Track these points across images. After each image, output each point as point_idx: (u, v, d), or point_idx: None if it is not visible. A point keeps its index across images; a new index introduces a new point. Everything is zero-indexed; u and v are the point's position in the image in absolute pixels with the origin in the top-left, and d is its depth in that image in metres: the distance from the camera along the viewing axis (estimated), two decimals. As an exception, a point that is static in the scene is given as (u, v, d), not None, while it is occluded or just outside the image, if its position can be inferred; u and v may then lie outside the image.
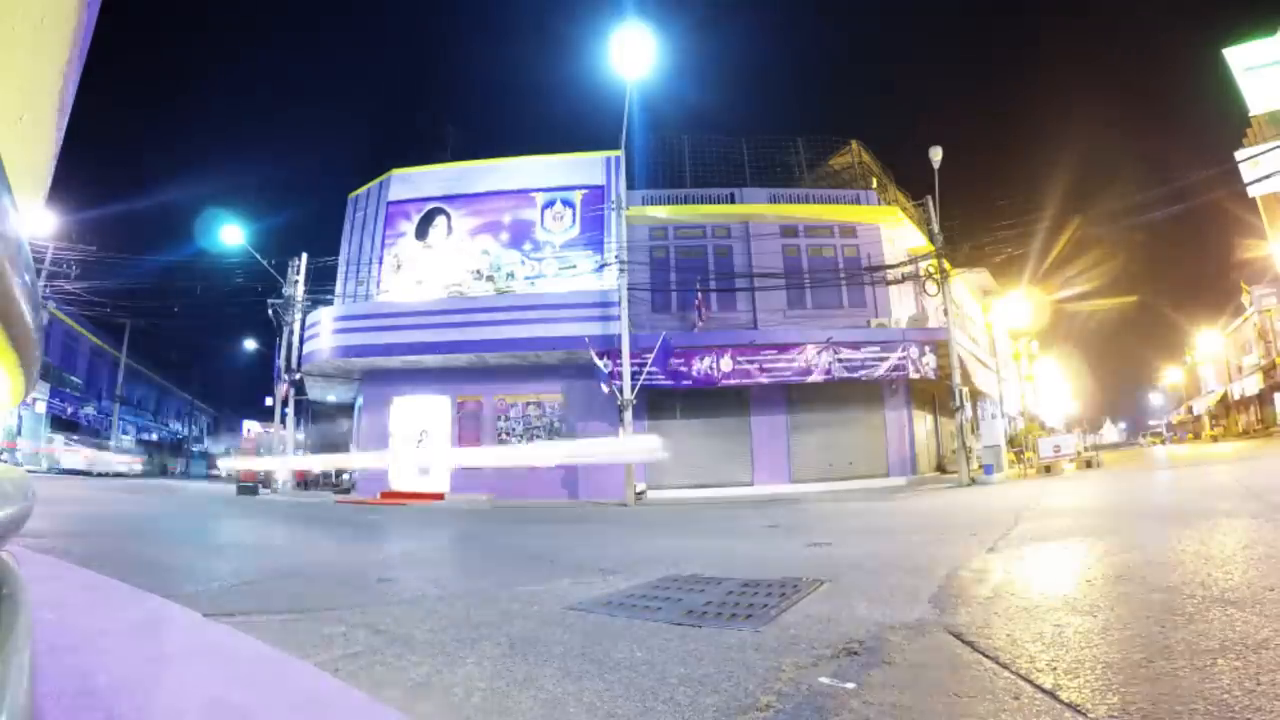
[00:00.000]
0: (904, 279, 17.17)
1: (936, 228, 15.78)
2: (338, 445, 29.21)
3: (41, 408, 28.42)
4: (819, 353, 15.53)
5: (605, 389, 14.94)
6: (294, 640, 2.34)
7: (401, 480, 17.11)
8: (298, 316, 20.35)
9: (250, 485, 17.95)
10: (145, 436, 41.64)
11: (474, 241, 17.93)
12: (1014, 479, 14.93)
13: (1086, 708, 1.47)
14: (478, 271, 17.68)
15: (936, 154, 15.16)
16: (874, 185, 18.97)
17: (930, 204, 15.97)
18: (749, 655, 2.08)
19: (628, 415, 14.36)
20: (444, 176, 18.69)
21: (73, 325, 30.64)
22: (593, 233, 17.28)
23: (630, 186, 17.57)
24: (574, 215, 17.71)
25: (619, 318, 14.92)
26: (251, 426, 21.60)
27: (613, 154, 17.41)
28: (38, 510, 1.27)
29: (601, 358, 14.90)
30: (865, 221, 17.77)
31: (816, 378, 15.49)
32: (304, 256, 20.99)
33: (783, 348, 15.74)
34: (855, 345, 15.72)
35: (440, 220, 18.24)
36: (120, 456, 27.57)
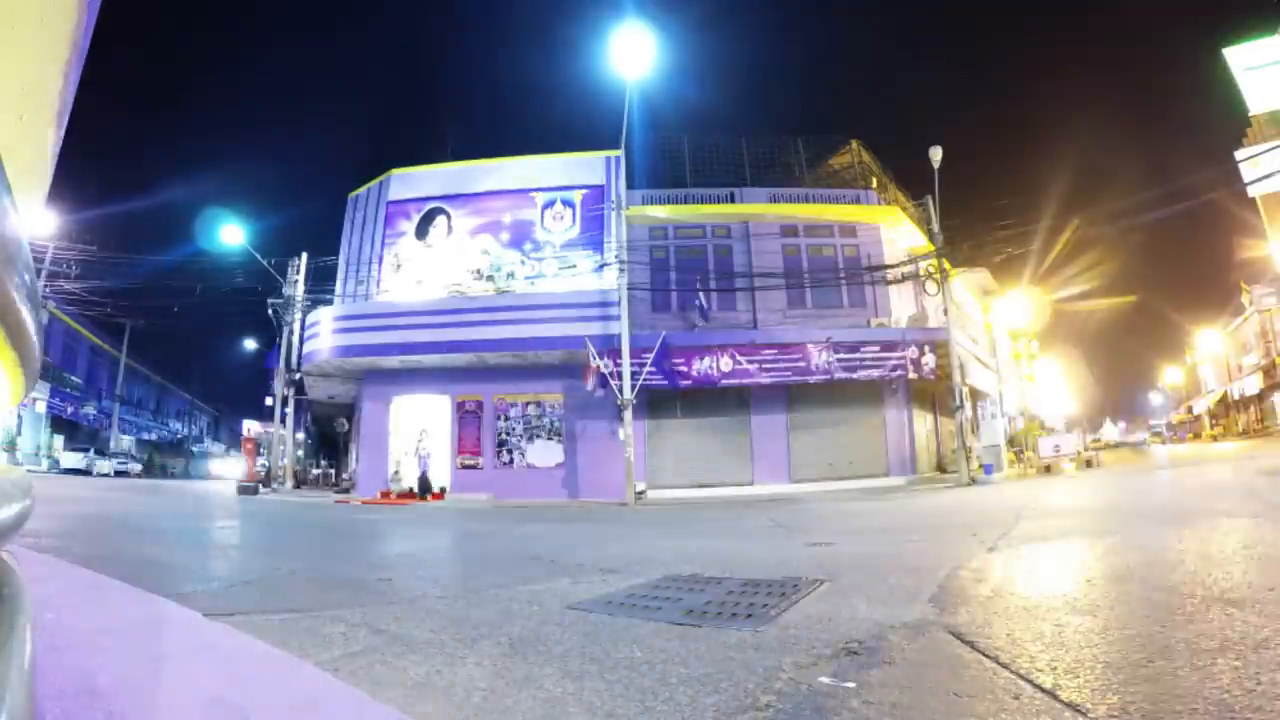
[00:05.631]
0: (904, 279, 17.17)
1: (936, 227, 15.78)
2: (337, 445, 29.24)
3: (41, 407, 28.42)
4: (819, 353, 15.53)
5: (590, 390, 14.96)
6: (294, 640, 2.34)
7: (400, 480, 17.11)
8: (298, 316, 20.36)
9: (250, 485, 17.95)
10: (145, 436, 41.66)
11: (474, 241, 17.93)
12: (1014, 478, 14.93)
13: (1086, 707, 1.47)
14: (478, 271, 17.68)
15: (936, 154, 15.16)
16: (874, 185, 18.96)
17: (930, 204, 15.98)
18: (749, 655, 2.08)
19: (628, 415, 14.37)
20: (444, 176, 18.68)
21: (73, 325, 30.63)
22: (593, 233, 17.28)
23: (630, 186, 17.56)
24: (574, 215, 17.70)
25: (619, 318, 14.92)
26: (251, 426, 21.59)
27: (612, 154, 17.40)
28: (38, 510, 1.27)
29: (602, 356, 14.88)
30: (865, 221, 17.77)
31: (816, 378, 15.49)
32: (304, 256, 21.01)
33: (783, 348, 15.74)
34: (855, 345, 15.72)
35: (440, 220, 18.23)
36: None
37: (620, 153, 17.12)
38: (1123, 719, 1.40)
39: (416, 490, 15.80)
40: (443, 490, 16.13)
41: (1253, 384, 37.23)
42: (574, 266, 17.18)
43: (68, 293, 22.80)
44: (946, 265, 15.98)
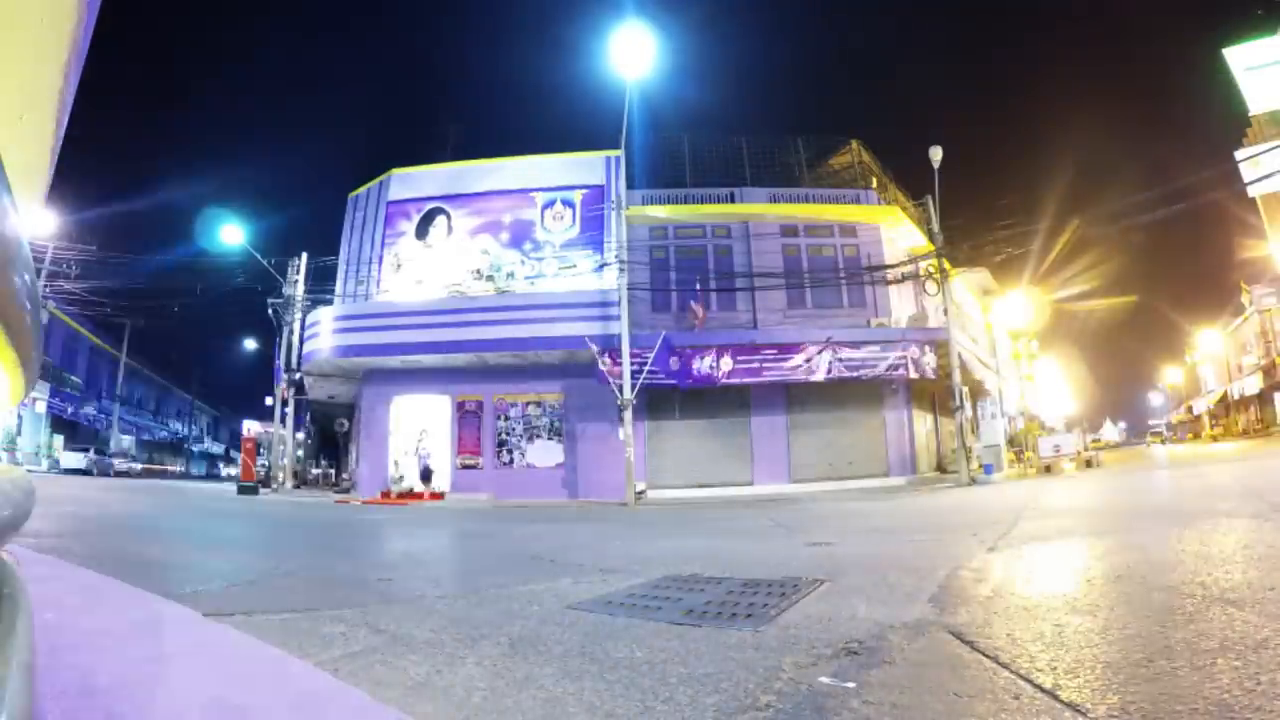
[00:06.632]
0: (904, 279, 17.17)
1: (936, 227, 15.79)
2: (337, 445, 29.24)
3: (41, 407, 28.42)
4: (819, 353, 15.53)
5: (612, 386, 14.96)
6: (294, 640, 2.34)
7: (401, 480, 17.10)
8: (298, 316, 20.37)
9: (250, 485, 17.96)
10: (145, 436, 41.67)
11: (474, 241, 17.93)
12: (1014, 478, 14.93)
13: (1086, 707, 1.47)
14: (478, 271, 17.68)
15: (936, 154, 15.16)
16: (874, 185, 18.96)
17: (930, 204, 15.98)
18: (749, 655, 2.08)
19: (628, 415, 14.36)
20: (444, 176, 18.69)
21: (73, 325, 30.63)
22: (593, 232, 17.28)
23: (630, 186, 17.56)
24: (574, 215, 17.71)
25: (619, 317, 14.92)
26: (251, 426, 21.58)
27: (612, 154, 17.40)
28: (38, 510, 1.27)
29: (601, 355, 14.89)
30: (865, 221, 17.77)
31: (816, 378, 15.48)
32: (304, 256, 21.02)
33: (783, 348, 15.73)
34: (855, 345, 15.72)
35: (440, 220, 18.24)
36: None
37: (620, 153, 17.12)
38: (1123, 719, 1.40)
39: (420, 482, 16.10)
40: (442, 492, 16.13)
41: (1253, 384, 37.24)
42: (574, 266, 17.18)
43: (68, 293, 22.82)
44: (946, 265, 15.98)
